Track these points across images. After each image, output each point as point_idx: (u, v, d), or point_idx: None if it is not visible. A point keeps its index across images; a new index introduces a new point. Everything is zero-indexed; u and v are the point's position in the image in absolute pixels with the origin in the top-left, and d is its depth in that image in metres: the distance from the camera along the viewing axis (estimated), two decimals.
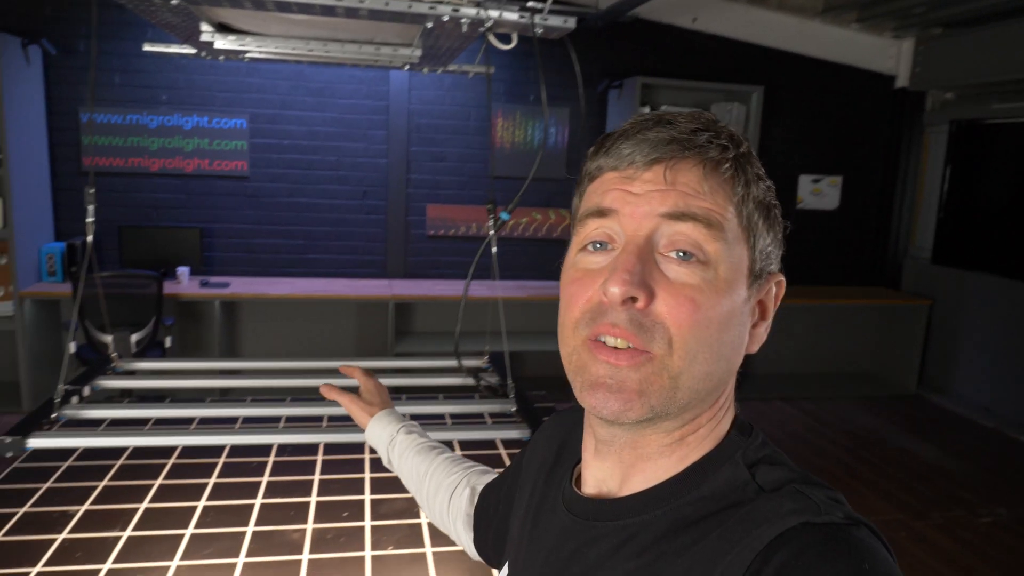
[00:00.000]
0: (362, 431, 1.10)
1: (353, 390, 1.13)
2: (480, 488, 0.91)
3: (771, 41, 5.28)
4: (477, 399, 1.46)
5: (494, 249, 1.62)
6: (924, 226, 5.66)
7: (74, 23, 4.20)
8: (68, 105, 4.27)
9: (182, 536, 1.44)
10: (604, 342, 0.54)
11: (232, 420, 1.64)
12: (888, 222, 5.72)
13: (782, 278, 0.61)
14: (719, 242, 0.54)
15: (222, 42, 1.70)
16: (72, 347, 3.65)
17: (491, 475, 0.95)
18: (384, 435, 1.05)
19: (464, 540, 0.93)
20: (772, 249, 0.58)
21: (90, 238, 1.59)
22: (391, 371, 1.85)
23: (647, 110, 4.88)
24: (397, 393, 1.83)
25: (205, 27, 1.59)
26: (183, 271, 4.26)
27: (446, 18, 1.33)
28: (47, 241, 4.25)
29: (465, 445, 1.72)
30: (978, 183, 5.25)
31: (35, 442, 1.13)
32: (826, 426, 4.65)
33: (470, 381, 1.57)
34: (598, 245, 0.57)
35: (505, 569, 0.72)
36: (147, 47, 2.00)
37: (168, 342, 3.88)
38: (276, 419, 1.67)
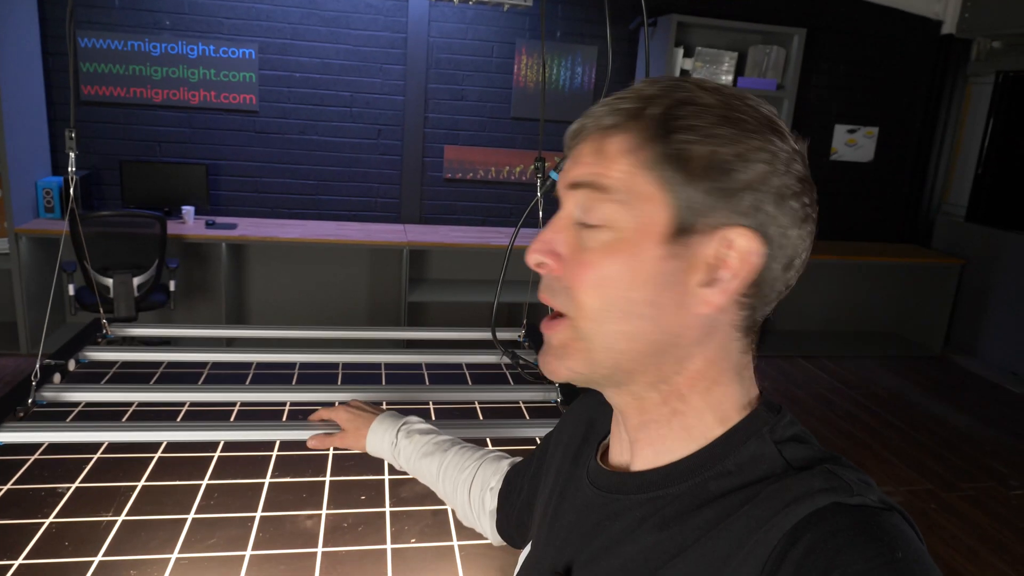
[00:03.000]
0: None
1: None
2: (497, 477, 0.93)
3: None
4: (512, 385, 1.29)
5: (540, 213, 1.40)
6: (960, 182, 5.40)
7: None
8: (64, 29, 4.00)
9: (183, 522, 1.30)
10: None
11: (230, 406, 1.48)
12: (923, 177, 5.45)
13: (744, 230, 0.53)
14: (610, 203, 0.54)
15: None
16: (71, 289, 3.51)
17: (505, 461, 0.96)
18: (385, 447, 1.06)
19: (489, 533, 0.94)
20: (709, 201, 0.53)
21: (72, 170, 1.40)
22: (410, 343, 1.68)
23: (681, 51, 4.57)
24: (416, 370, 1.65)
25: None
26: (188, 210, 4.07)
27: None
28: (44, 175, 4.05)
29: (498, 442, 1.57)
30: (1021, 139, 4.96)
31: (5, 436, 0.98)
32: (851, 387, 4.51)
33: (505, 360, 1.40)
34: None
35: (527, 548, 0.72)
36: None
37: (172, 286, 3.72)
38: (280, 404, 1.51)
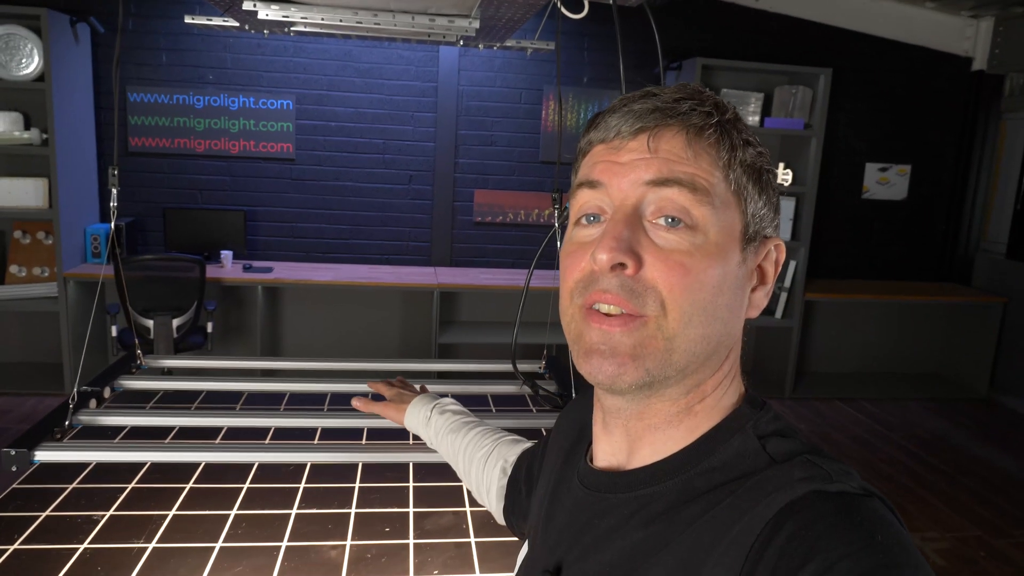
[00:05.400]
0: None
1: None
2: (510, 459, 0.94)
3: (840, 21, 4.97)
4: (534, 411, 1.31)
5: (559, 244, 1.42)
6: (999, 218, 5.30)
7: (123, 1, 4.14)
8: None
9: (211, 550, 1.32)
10: (599, 309, 0.55)
11: (264, 431, 1.52)
12: (960, 214, 5.36)
13: (780, 241, 0.60)
14: (706, 206, 0.54)
15: (265, 11, 1.57)
16: (113, 331, 3.63)
17: (523, 444, 0.98)
18: (420, 421, 1.11)
19: (495, 509, 0.96)
20: (766, 212, 0.58)
21: (113, 224, 1.48)
22: (435, 374, 1.70)
23: None
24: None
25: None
26: (227, 255, 4.20)
27: None
28: (93, 222, 4.23)
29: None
30: None
31: (43, 455, 1.02)
32: (892, 430, 4.38)
33: (526, 389, 1.41)
34: (591, 218, 0.58)
35: (524, 549, 0.73)
36: (188, 19, 1.88)
37: (210, 327, 3.82)
38: (312, 431, 1.54)
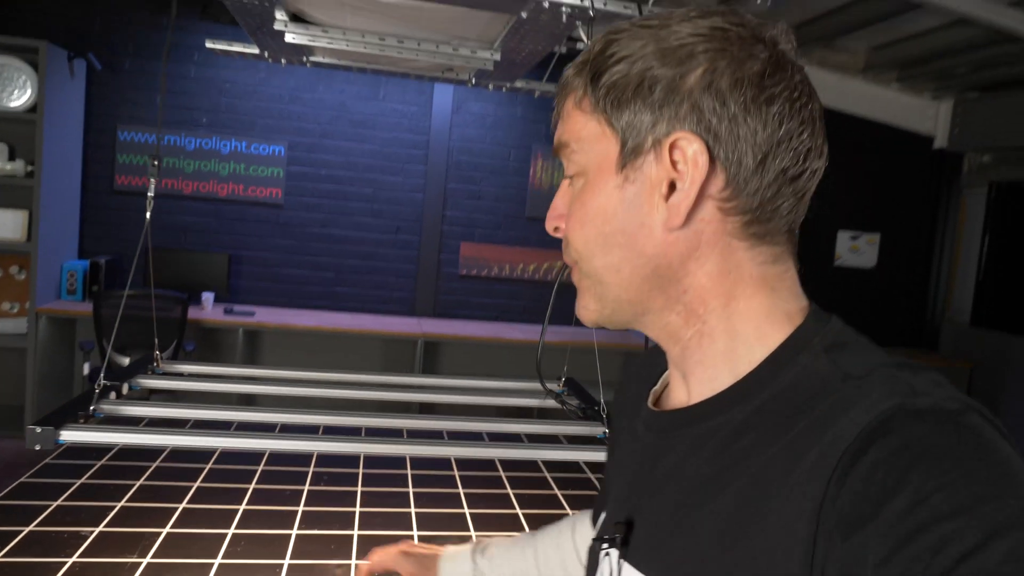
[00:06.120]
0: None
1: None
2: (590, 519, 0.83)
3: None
4: (560, 421, 1.29)
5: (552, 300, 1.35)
6: (962, 288, 5.48)
7: (122, 40, 4.19)
8: (107, 122, 4.22)
9: (210, 566, 1.26)
10: None
11: (272, 425, 1.49)
12: (926, 282, 5.54)
13: (683, 134, 0.53)
14: (575, 154, 0.58)
15: (293, 35, 1.60)
16: (85, 368, 3.51)
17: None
18: (465, 572, 0.91)
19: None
20: (646, 117, 0.54)
21: (146, 242, 1.47)
22: (450, 389, 1.68)
23: None
24: (467, 412, 1.64)
25: (280, 15, 1.49)
26: (208, 297, 4.13)
27: (547, 4, 1.22)
28: (71, 258, 4.15)
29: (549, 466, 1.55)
30: (1019, 243, 5.09)
31: (68, 435, 0.98)
32: None
33: (548, 402, 1.39)
34: None
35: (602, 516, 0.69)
36: (209, 44, 1.91)
37: None
38: (315, 428, 1.51)
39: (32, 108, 3.68)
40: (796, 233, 0.59)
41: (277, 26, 1.53)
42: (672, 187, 0.53)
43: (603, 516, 0.68)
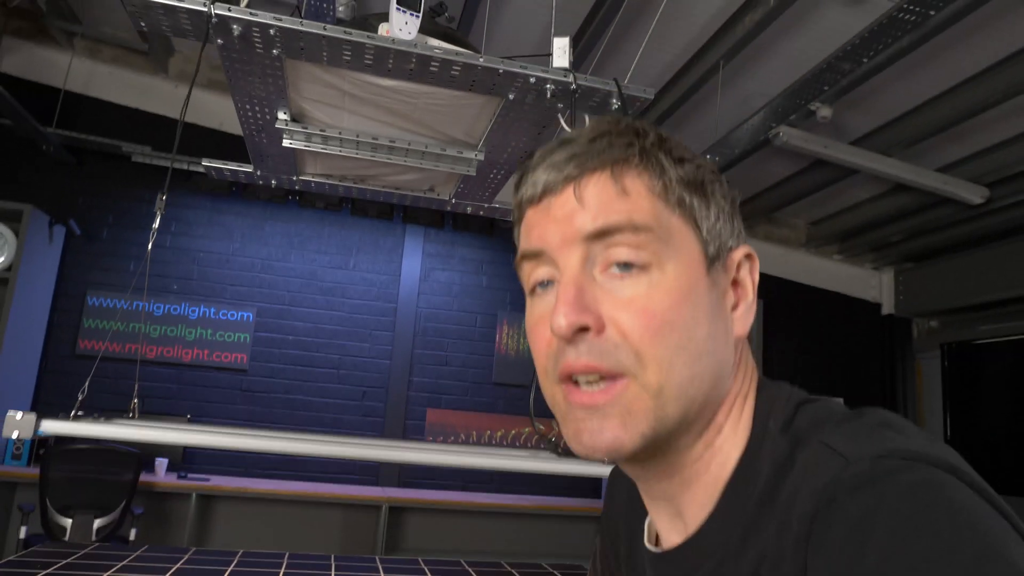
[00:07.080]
0: None
1: None
2: None
3: (761, 266, 5.56)
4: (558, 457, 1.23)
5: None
6: None
7: (103, 210, 4.35)
8: (77, 287, 4.25)
9: None
10: (577, 382, 0.51)
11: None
12: None
13: (750, 250, 0.56)
14: (653, 242, 0.50)
15: (289, 140, 1.72)
16: (22, 532, 3.20)
17: None
18: None
19: None
20: (723, 225, 0.54)
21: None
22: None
23: None
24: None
25: (282, 114, 1.63)
26: (161, 463, 3.91)
27: (533, 79, 1.37)
28: None
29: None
30: (979, 402, 5.21)
31: (49, 425, 0.91)
32: None
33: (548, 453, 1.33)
34: (545, 284, 0.54)
35: None
36: (206, 163, 2.02)
37: (133, 534, 3.42)
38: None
39: (8, 267, 3.71)
40: None
41: (278, 124, 1.67)
42: (736, 298, 0.55)
43: None
